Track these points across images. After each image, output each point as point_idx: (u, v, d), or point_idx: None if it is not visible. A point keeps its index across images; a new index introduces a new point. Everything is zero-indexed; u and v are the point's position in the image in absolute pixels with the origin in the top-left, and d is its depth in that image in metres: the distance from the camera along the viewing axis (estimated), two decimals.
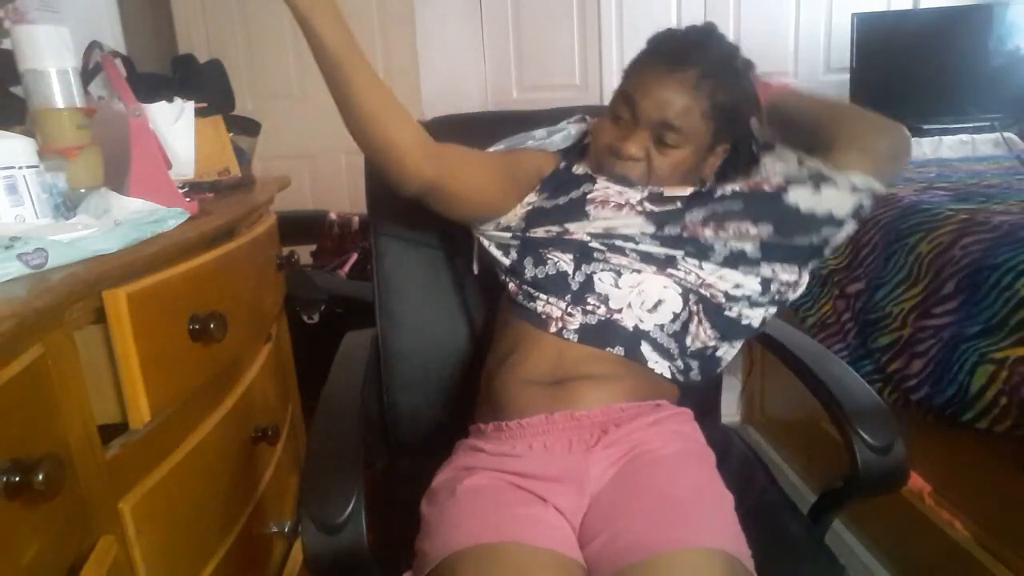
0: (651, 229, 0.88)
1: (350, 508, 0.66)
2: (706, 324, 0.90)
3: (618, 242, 0.88)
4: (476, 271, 1.03)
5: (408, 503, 0.81)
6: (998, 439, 1.04)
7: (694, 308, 0.89)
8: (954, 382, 1.11)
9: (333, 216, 2.12)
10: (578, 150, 1.00)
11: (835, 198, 0.87)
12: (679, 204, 0.89)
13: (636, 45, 0.97)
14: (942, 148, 2.45)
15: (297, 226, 1.89)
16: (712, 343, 0.91)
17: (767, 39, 2.88)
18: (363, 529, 0.66)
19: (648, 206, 0.89)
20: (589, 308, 0.86)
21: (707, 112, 0.86)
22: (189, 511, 0.78)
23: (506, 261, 0.92)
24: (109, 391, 0.64)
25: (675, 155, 0.88)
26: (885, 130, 0.90)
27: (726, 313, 0.90)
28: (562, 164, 0.96)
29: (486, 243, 0.95)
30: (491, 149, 0.98)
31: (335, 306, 1.68)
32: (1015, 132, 2.34)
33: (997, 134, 2.33)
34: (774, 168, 0.92)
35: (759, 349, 1.84)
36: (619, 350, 0.85)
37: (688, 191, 0.91)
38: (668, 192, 0.91)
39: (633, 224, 0.88)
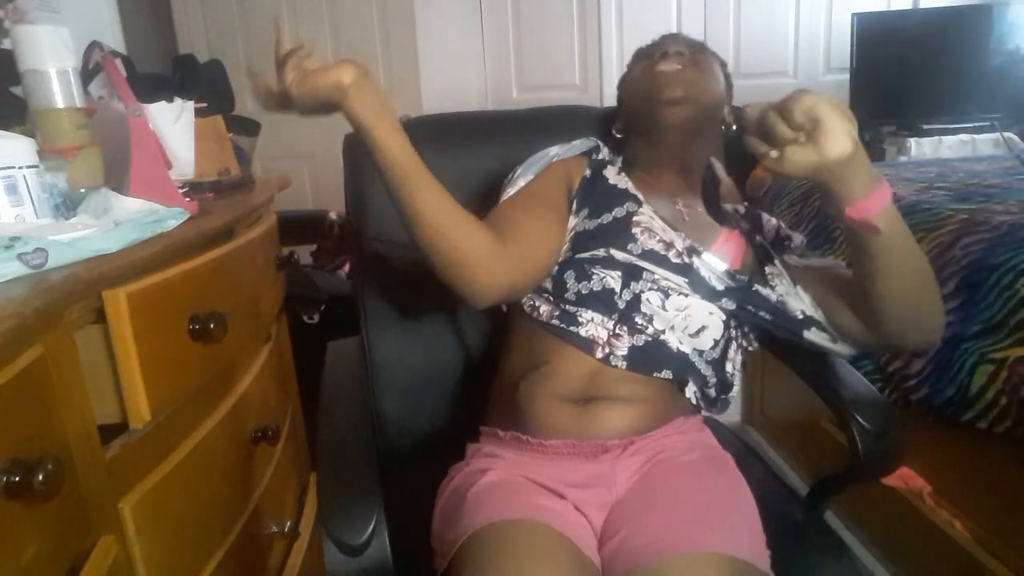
0: (688, 290, 0.85)
1: (371, 527, 0.64)
2: (739, 350, 0.90)
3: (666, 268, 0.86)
4: (505, 308, 0.96)
5: (400, 513, 0.81)
6: (998, 439, 1.04)
7: (733, 333, 0.89)
8: (954, 382, 1.11)
9: (333, 216, 2.12)
10: (599, 159, 0.96)
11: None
12: (717, 286, 0.86)
13: (636, 45, 0.97)
14: (942, 148, 2.45)
15: (297, 226, 1.90)
16: (735, 370, 0.91)
17: (767, 39, 2.88)
18: (387, 548, 0.65)
19: (692, 260, 0.86)
20: (638, 327, 0.83)
21: (717, 60, 0.94)
22: (189, 511, 0.78)
23: (547, 282, 0.87)
24: (109, 391, 0.64)
25: (710, 70, 0.91)
26: (934, 329, 0.82)
27: (742, 341, 0.92)
28: (588, 172, 0.93)
29: None
30: (518, 178, 0.92)
31: (335, 306, 1.68)
32: (1015, 132, 2.34)
33: (997, 134, 2.34)
34: (795, 293, 0.88)
35: (759, 350, 1.84)
36: (667, 373, 0.83)
37: (724, 266, 0.88)
38: (707, 256, 0.87)
39: (674, 280, 0.85)
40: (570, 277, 0.85)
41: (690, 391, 0.86)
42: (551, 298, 0.87)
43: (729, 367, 0.89)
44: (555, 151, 0.95)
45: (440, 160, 1.00)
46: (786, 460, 1.81)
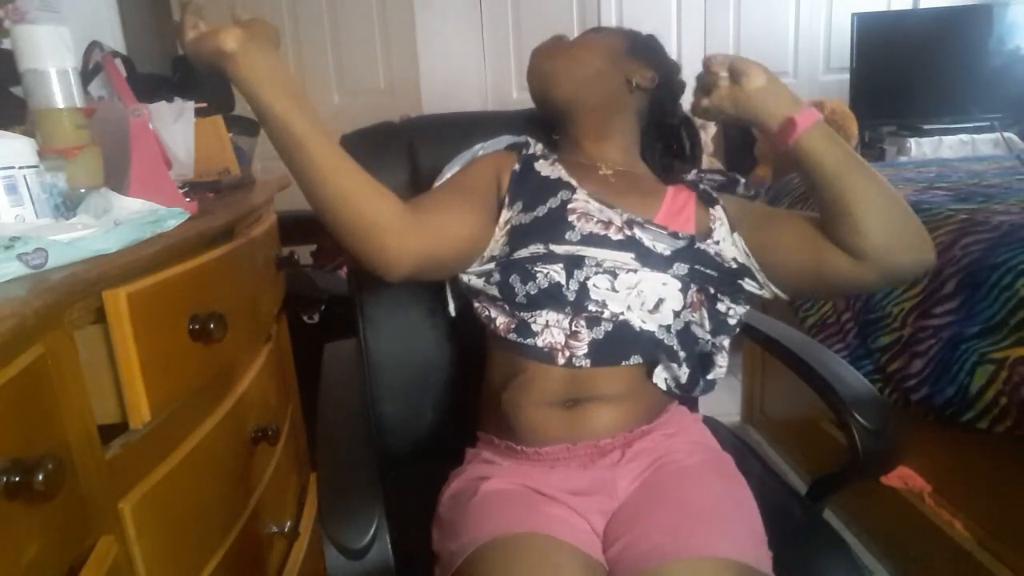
0: (636, 266, 0.82)
1: (372, 530, 0.64)
2: (705, 316, 0.86)
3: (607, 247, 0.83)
4: (453, 314, 0.96)
5: (400, 516, 0.81)
6: (998, 439, 1.04)
7: (696, 299, 0.84)
8: (954, 382, 1.11)
9: None
10: (529, 154, 0.94)
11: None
12: (664, 252, 0.84)
13: None
14: (942, 148, 2.45)
15: (297, 226, 1.89)
16: (708, 337, 0.86)
17: (767, 39, 2.87)
18: (389, 551, 0.65)
19: (634, 232, 0.84)
20: (594, 315, 0.80)
21: (612, 35, 1.01)
22: (189, 511, 0.78)
23: (493, 290, 0.84)
24: (109, 391, 0.64)
25: (585, 43, 0.99)
26: (922, 244, 0.79)
27: (717, 306, 0.87)
28: (517, 166, 0.90)
29: (465, 278, 0.87)
30: (446, 172, 0.92)
31: (335, 306, 1.68)
32: (1015, 132, 2.34)
33: (997, 134, 2.34)
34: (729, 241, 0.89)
35: (759, 350, 1.85)
36: (636, 359, 0.81)
37: (666, 230, 0.86)
38: (648, 225, 0.85)
39: (619, 257, 0.82)
40: (516, 281, 0.82)
41: (659, 377, 0.82)
42: (505, 306, 0.84)
43: (700, 334, 0.85)
44: (480, 146, 0.96)
45: (440, 160, 1.00)
46: (786, 460, 1.81)
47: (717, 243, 0.87)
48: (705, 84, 0.85)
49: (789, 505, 0.88)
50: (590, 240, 0.82)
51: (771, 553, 0.71)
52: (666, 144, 1.02)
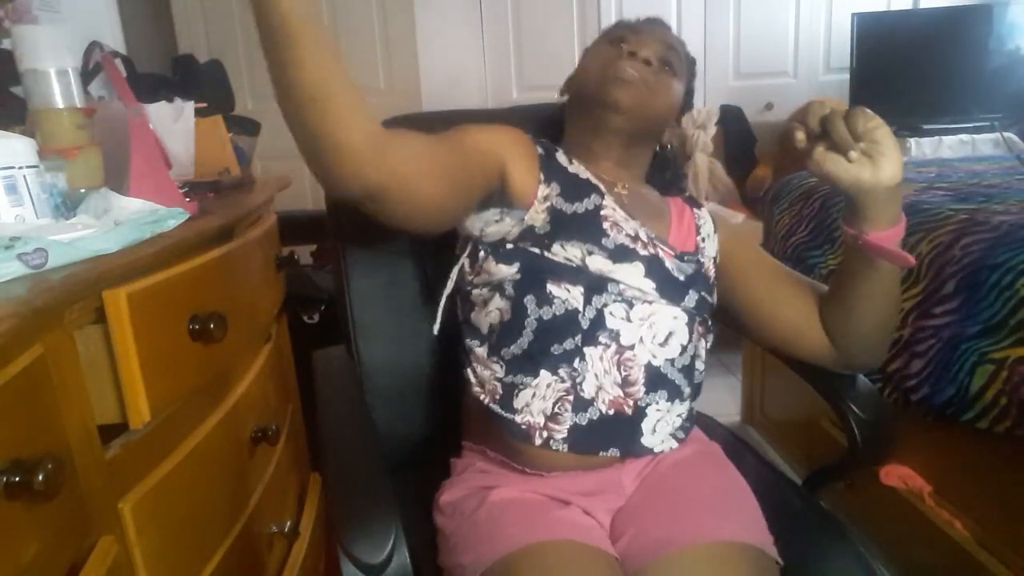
0: (653, 296, 0.82)
1: (391, 544, 0.63)
2: (703, 346, 0.87)
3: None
4: (436, 331, 0.90)
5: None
6: (998, 439, 1.04)
7: (699, 331, 0.85)
8: (954, 382, 1.11)
9: None
10: (543, 141, 0.89)
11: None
12: (680, 276, 0.84)
13: None
14: (942, 148, 2.45)
15: (297, 226, 1.89)
16: (702, 368, 0.88)
17: (767, 39, 2.88)
18: (408, 565, 0.64)
19: (657, 251, 0.84)
20: (583, 398, 0.77)
21: (685, 56, 0.93)
22: (189, 511, 0.78)
23: (507, 316, 0.80)
24: (109, 391, 0.64)
25: (666, 91, 0.88)
26: (881, 358, 0.88)
27: (710, 335, 0.91)
28: (540, 150, 0.85)
29: (484, 227, 0.83)
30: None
31: (335, 306, 1.67)
32: (1015, 132, 2.34)
33: (997, 134, 2.33)
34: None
35: (759, 350, 1.85)
36: (613, 452, 0.78)
37: (677, 251, 0.86)
38: (663, 246, 0.85)
39: (641, 281, 0.81)
40: (531, 302, 0.79)
41: (653, 440, 0.80)
42: (498, 364, 0.80)
43: (699, 365, 0.86)
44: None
45: None
46: (786, 460, 1.81)
47: (704, 240, 0.90)
48: (838, 139, 0.68)
49: (787, 494, 0.89)
50: (621, 252, 0.81)
51: (772, 537, 0.73)
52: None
